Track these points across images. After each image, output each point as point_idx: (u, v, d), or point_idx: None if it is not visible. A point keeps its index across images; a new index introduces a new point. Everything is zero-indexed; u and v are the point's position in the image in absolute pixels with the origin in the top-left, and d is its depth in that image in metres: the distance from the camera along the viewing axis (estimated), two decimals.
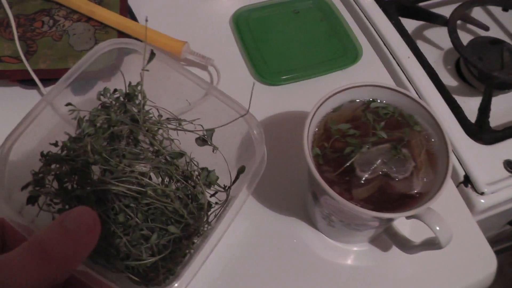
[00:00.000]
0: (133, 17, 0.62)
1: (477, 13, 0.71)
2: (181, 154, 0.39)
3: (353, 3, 0.68)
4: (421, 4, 0.70)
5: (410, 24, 0.67)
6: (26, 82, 0.55)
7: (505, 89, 0.62)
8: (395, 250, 0.47)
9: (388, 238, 0.46)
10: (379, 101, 0.44)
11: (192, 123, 0.40)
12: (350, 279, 0.46)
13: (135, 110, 0.40)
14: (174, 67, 0.42)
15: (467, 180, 0.52)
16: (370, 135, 0.41)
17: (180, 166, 0.39)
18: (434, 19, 0.67)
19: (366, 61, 0.61)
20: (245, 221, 0.47)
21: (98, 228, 0.25)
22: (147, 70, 0.39)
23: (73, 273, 0.28)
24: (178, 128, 0.40)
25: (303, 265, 0.47)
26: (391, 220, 0.42)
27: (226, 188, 0.40)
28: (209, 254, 0.34)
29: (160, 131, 0.41)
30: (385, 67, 0.61)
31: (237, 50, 0.62)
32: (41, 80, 0.54)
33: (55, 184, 0.37)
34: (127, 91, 0.41)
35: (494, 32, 0.68)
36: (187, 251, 0.37)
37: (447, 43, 0.65)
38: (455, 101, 0.57)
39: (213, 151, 0.40)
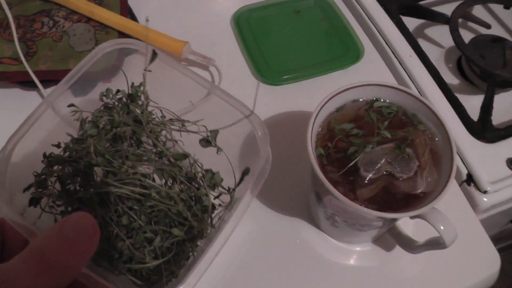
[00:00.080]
0: (133, 18, 0.62)
1: (478, 11, 0.71)
2: (185, 156, 0.38)
3: (354, 2, 0.68)
4: (422, 2, 0.70)
5: (411, 23, 0.67)
6: (26, 83, 0.55)
7: (507, 87, 0.62)
8: (398, 250, 0.47)
9: (391, 238, 0.46)
10: (382, 100, 0.43)
11: (195, 124, 0.40)
12: (353, 279, 0.46)
13: (138, 111, 0.40)
14: (176, 67, 0.42)
15: (470, 179, 0.52)
16: (373, 135, 0.41)
17: (184, 167, 0.39)
18: (435, 18, 0.66)
19: (368, 60, 0.60)
20: (248, 222, 0.47)
21: (98, 234, 0.24)
22: (150, 71, 0.39)
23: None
24: (182, 129, 0.40)
25: (306, 265, 0.46)
26: (395, 220, 0.42)
27: (231, 190, 0.40)
28: (214, 258, 0.34)
29: (164, 132, 0.41)
30: (387, 66, 0.61)
31: (238, 50, 0.62)
32: (41, 81, 0.54)
33: (58, 186, 0.37)
34: (130, 92, 0.41)
35: (496, 30, 0.68)
36: (191, 253, 0.37)
37: (448, 42, 0.65)
38: (457, 100, 0.57)
39: (217, 152, 0.40)
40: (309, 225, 0.49)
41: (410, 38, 0.63)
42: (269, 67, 0.59)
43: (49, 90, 0.55)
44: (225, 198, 0.40)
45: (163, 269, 0.35)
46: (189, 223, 0.36)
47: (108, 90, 0.41)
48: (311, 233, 0.48)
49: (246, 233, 0.47)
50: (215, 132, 0.40)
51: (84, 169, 0.35)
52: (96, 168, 0.35)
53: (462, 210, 0.50)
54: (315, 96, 0.44)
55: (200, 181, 0.39)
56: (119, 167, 0.34)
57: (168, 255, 0.35)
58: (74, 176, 0.36)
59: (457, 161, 0.52)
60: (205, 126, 0.40)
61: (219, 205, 0.40)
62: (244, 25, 0.63)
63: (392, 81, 0.60)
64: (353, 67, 0.60)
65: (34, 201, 0.36)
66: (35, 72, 0.54)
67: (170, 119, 0.41)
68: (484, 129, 0.55)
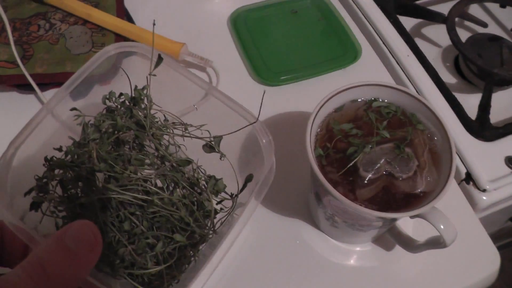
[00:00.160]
0: (130, 20, 0.61)
1: (475, 10, 0.71)
2: (188, 162, 0.38)
3: (351, 2, 0.68)
4: (419, 1, 0.70)
5: (408, 22, 0.67)
6: (23, 86, 0.54)
7: (504, 86, 0.62)
8: (398, 250, 0.47)
9: (391, 238, 0.46)
10: (381, 100, 0.43)
11: (199, 128, 0.40)
12: (354, 279, 0.46)
13: (141, 115, 0.39)
14: (178, 69, 0.42)
15: (469, 178, 0.52)
16: (373, 135, 0.41)
17: (186, 172, 0.38)
18: (432, 17, 0.66)
19: (366, 60, 0.60)
20: (247, 223, 0.47)
21: (100, 244, 0.24)
22: (155, 75, 0.38)
23: None
24: (185, 134, 0.40)
25: (306, 266, 0.46)
26: (395, 220, 0.42)
27: (233, 196, 0.39)
28: (217, 265, 0.34)
29: (166, 136, 0.40)
30: (385, 65, 0.61)
31: (235, 51, 0.62)
32: (38, 84, 0.53)
33: (59, 190, 0.37)
34: (133, 95, 0.41)
35: (492, 28, 0.68)
36: (192, 258, 0.37)
37: (445, 41, 0.65)
38: (455, 99, 0.57)
39: (220, 158, 0.39)
40: (309, 225, 0.48)
41: (407, 37, 0.63)
42: (266, 67, 0.59)
43: (46, 93, 0.54)
44: (227, 202, 0.40)
45: (165, 274, 0.34)
46: (191, 228, 0.36)
47: (111, 93, 0.40)
48: (311, 234, 0.48)
49: (246, 234, 0.47)
50: (218, 138, 0.39)
51: (86, 174, 0.35)
52: (97, 173, 0.35)
53: (462, 209, 0.50)
54: (313, 97, 0.44)
55: (203, 186, 0.39)
56: (121, 172, 0.34)
57: (170, 261, 0.35)
58: (76, 181, 0.36)
59: (456, 160, 0.53)
60: (208, 131, 0.40)
61: (221, 209, 0.40)
62: (241, 26, 0.63)
63: (390, 81, 0.60)
64: (350, 67, 0.60)
65: (35, 206, 0.35)
66: (32, 75, 0.53)
67: (173, 123, 0.41)
68: (482, 128, 0.55)
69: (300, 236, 0.48)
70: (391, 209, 0.38)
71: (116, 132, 0.38)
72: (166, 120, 0.42)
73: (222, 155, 0.40)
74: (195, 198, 0.37)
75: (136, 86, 0.41)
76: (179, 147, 0.41)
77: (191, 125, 0.40)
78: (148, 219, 0.34)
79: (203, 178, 0.39)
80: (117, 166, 0.34)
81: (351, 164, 0.39)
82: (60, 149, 0.38)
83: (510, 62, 0.60)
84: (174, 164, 0.38)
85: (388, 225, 0.43)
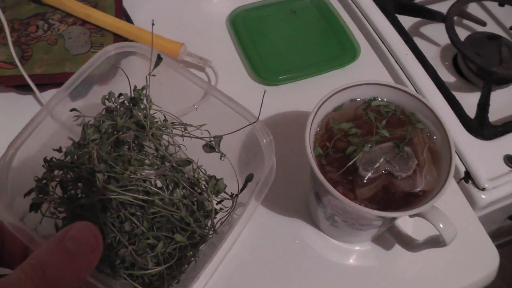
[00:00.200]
0: (128, 20, 0.61)
1: (473, 8, 0.71)
2: (189, 162, 0.38)
3: (350, 1, 0.68)
4: (417, 0, 0.70)
5: (407, 21, 0.67)
6: (21, 87, 0.54)
7: (503, 84, 0.62)
8: (397, 249, 0.47)
9: (391, 237, 0.46)
10: (380, 99, 0.43)
11: (198, 128, 0.40)
12: (353, 279, 0.46)
13: (141, 115, 0.39)
14: (178, 69, 0.42)
15: (468, 176, 0.52)
16: (372, 134, 0.41)
17: (186, 172, 0.38)
18: (431, 16, 0.66)
19: (365, 59, 0.60)
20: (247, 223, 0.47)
21: (101, 246, 0.24)
22: (154, 75, 0.38)
23: None
24: (185, 134, 0.40)
25: (306, 265, 0.46)
26: (394, 219, 0.42)
27: (234, 196, 0.39)
28: (218, 266, 0.34)
29: (166, 136, 0.40)
30: (384, 64, 0.61)
31: (234, 50, 0.62)
32: (37, 85, 0.53)
33: (58, 191, 0.37)
34: (133, 96, 0.41)
35: (491, 27, 0.68)
36: (193, 259, 0.37)
37: (444, 39, 0.65)
38: (454, 97, 0.57)
39: (220, 158, 0.39)
40: (309, 225, 0.48)
41: (406, 36, 0.63)
42: (265, 67, 0.59)
43: (45, 93, 0.54)
44: (226, 202, 0.40)
45: (165, 274, 0.34)
46: (192, 228, 0.36)
47: (110, 93, 0.40)
48: (310, 233, 0.48)
49: (245, 233, 0.47)
50: (219, 138, 0.39)
51: (86, 175, 0.35)
52: (97, 173, 0.35)
53: (461, 207, 0.50)
54: (312, 96, 0.44)
55: (203, 187, 0.39)
56: (122, 173, 0.34)
57: (171, 261, 0.35)
58: (76, 182, 0.36)
59: (456, 159, 0.53)
60: (208, 131, 0.40)
61: (220, 209, 0.40)
62: (240, 25, 0.63)
63: (389, 80, 0.60)
64: (349, 67, 0.60)
65: (35, 207, 0.35)
66: (30, 76, 0.53)
67: (172, 123, 0.41)
68: (481, 126, 0.55)
69: (299, 236, 0.48)
70: (390, 208, 0.38)
71: (115, 132, 0.38)
72: (165, 120, 0.42)
73: (222, 155, 0.40)
74: (195, 198, 0.37)
75: (135, 87, 0.41)
76: (179, 147, 0.41)
77: (191, 125, 0.40)
78: (149, 219, 0.34)
79: (203, 178, 0.39)
80: (117, 167, 0.34)
81: (350, 163, 0.39)
82: (59, 150, 0.38)
83: (509, 61, 0.60)
84: (174, 164, 0.38)
85: (388, 224, 0.43)
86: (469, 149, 0.53)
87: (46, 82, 0.54)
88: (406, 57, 0.61)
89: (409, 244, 0.44)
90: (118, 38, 0.58)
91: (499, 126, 0.55)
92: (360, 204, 0.36)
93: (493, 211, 0.54)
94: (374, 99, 0.43)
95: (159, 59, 0.39)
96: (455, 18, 0.64)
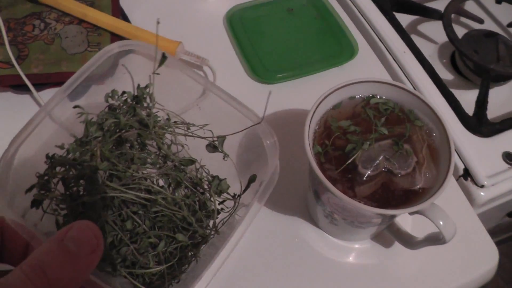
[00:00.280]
0: (125, 19, 0.61)
1: (471, 6, 0.71)
2: (192, 161, 0.38)
3: None
4: None
5: (404, 19, 0.67)
6: (18, 87, 0.54)
7: (500, 81, 0.62)
8: (397, 246, 0.47)
9: (390, 235, 0.46)
10: (379, 97, 0.43)
11: (202, 128, 0.39)
12: (353, 277, 0.46)
13: (144, 113, 0.39)
14: (182, 69, 0.41)
15: (467, 173, 0.52)
16: (371, 132, 0.41)
17: (189, 171, 0.38)
18: (428, 14, 0.66)
19: (362, 57, 0.60)
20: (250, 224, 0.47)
21: (101, 246, 0.23)
22: (158, 74, 0.38)
23: None
24: (189, 134, 0.39)
25: (306, 264, 0.46)
26: (394, 216, 0.42)
27: (236, 196, 0.39)
28: (220, 267, 0.33)
29: (169, 135, 0.40)
30: (382, 62, 0.61)
31: (231, 49, 0.62)
32: (34, 84, 0.53)
33: (59, 188, 0.36)
34: (136, 94, 0.40)
35: (488, 25, 0.68)
36: (194, 258, 0.37)
37: (441, 37, 0.65)
38: (452, 95, 0.57)
39: (224, 158, 0.39)
40: (308, 223, 0.48)
41: (404, 34, 0.63)
42: (263, 65, 0.58)
43: (42, 93, 0.54)
44: (227, 203, 0.40)
45: (166, 273, 0.34)
46: (193, 228, 0.35)
47: (113, 91, 0.40)
48: (309, 232, 0.48)
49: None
50: (222, 138, 0.39)
51: (89, 173, 0.34)
52: (99, 171, 0.35)
53: (460, 205, 0.50)
54: (310, 94, 0.44)
55: (206, 186, 0.38)
56: (124, 171, 0.34)
57: (172, 261, 0.34)
58: (78, 179, 0.36)
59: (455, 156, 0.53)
60: (211, 131, 0.40)
61: (221, 209, 0.40)
62: (237, 24, 0.63)
63: (387, 78, 0.60)
64: (347, 65, 0.60)
65: (36, 203, 0.35)
66: (27, 76, 0.53)
67: (175, 122, 0.40)
68: (479, 124, 0.55)
69: (298, 234, 0.48)
70: (390, 205, 0.38)
71: (118, 130, 0.37)
72: (168, 119, 0.41)
73: (226, 155, 0.39)
74: (197, 198, 0.37)
75: (138, 85, 0.40)
76: (183, 146, 0.40)
77: (194, 125, 0.40)
78: (151, 218, 0.34)
79: (205, 178, 0.39)
80: (119, 165, 0.34)
81: (349, 161, 0.39)
82: (62, 147, 0.37)
83: (506, 58, 0.60)
84: (177, 164, 0.37)
85: (387, 221, 0.43)
86: (468, 146, 0.53)
87: (43, 81, 0.54)
88: (404, 55, 0.61)
89: (408, 241, 0.44)
90: (115, 37, 0.57)
91: (497, 123, 0.55)
92: (359, 202, 0.36)
93: (491, 208, 0.54)
94: (373, 96, 0.43)
95: (164, 57, 0.39)
96: (453, 15, 0.64)
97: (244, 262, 0.46)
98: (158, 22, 0.37)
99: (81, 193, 0.36)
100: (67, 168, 0.36)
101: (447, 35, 0.61)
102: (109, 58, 0.41)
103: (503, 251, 0.50)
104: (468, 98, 0.58)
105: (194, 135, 0.39)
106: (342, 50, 0.60)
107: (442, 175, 0.38)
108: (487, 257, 0.48)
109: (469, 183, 0.52)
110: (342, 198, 0.36)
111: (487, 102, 0.57)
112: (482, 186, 0.51)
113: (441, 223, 0.37)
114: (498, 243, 0.49)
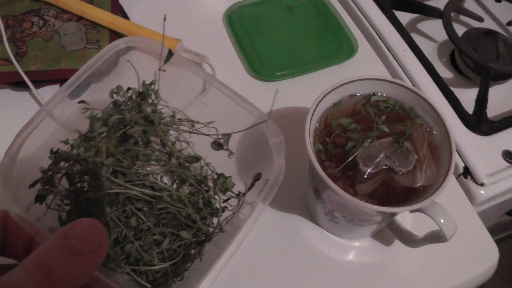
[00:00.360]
0: (124, 16, 0.61)
1: (470, 4, 0.71)
2: (197, 159, 0.38)
3: None
4: None
5: (404, 17, 0.67)
6: (17, 84, 0.54)
7: (500, 80, 0.62)
8: (397, 245, 0.47)
9: (390, 233, 0.45)
10: (379, 94, 0.43)
11: (206, 126, 0.39)
12: (353, 275, 0.46)
13: (149, 110, 0.38)
14: (186, 64, 0.41)
15: (467, 172, 0.52)
16: (371, 129, 0.41)
17: (193, 169, 0.38)
18: (428, 12, 0.66)
19: (362, 55, 0.60)
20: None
21: (106, 244, 0.23)
22: (164, 70, 0.38)
23: None
24: (194, 131, 0.39)
25: (306, 262, 0.46)
26: (394, 214, 0.42)
27: (240, 194, 0.39)
28: (224, 266, 0.33)
29: (173, 132, 0.40)
30: (381, 60, 0.61)
31: (231, 47, 0.61)
32: (32, 81, 0.53)
33: (64, 183, 0.36)
34: (141, 90, 0.40)
35: (488, 23, 0.68)
36: (197, 256, 0.37)
37: (441, 36, 0.65)
38: (452, 93, 0.57)
39: (228, 156, 0.39)
40: (308, 221, 0.48)
41: (404, 32, 0.63)
42: (262, 63, 0.58)
43: (40, 90, 0.54)
44: (231, 200, 0.40)
45: (170, 271, 0.34)
46: (197, 226, 0.35)
47: (118, 87, 0.40)
48: (309, 229, 0.48)
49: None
50: (228, 136, 0.39)
51: (93, 168, 0.34)
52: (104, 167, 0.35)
53: (460, 203, 0.50)
54: (309, 92, 0.44)
55: (210, 184, 0.38)
56: (129, 167, 0.34)
57: (176, 258, 0.34)
58: (83, 175, 0.35)
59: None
60: (216, 129, 0.39)
61: (224, 207, 0.39)
62: (237, 22, 0.62)
63: (387, 76, 0.60)
64: (347, 63, 0.60)
65: (40, 198, 0.34)
66: (26, 73, 0.53)
67: (179, 119, 0.40)
68: (479, 122, 0.55)
69: (298, 232, 0.48)
70: (391, 203, 0.38)
71: (122, 126, 0.37)
72: (173, 116, 0.41)
73: (231, 153, 0.39)
74: (202, 196, 0.37)
75: (144, 81, 0.40)
76: (188, 143, 0.40)
77: (198, 122, 0.40)
78: (155, 215, 0.34)
79: (210, 176, 0.39)
80: (125, 161, 0.33)
81: (350, 158, 0.39)
82: (66, 142, 0.37)
83: (506, 56, 0.60)
84: (181, 161, 0.37)
85: (388, 219, 0.43)
86: (468, 144, 0.53)
87: (42, 78, 0.53)
88: (404, 53, 0.61)
89: (408, 239, 0.43)
90: (114, 34, 0.57)
91: (497, 121, 0.55)
92: (360, 200, 0.36)
93: (491, 207, 0.54)
94: (373, 94, 0.43)
95: (170, 54, 0.38)
96: (452, 14, 0.64)
97: (244, 259, 0.46)
98: (164, 19, 0.37)
99: (86, 189, 0.36)
100: (71, 164, 0.35)
101: (447, 33, 0.61)
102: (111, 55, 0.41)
103: (501, 250, 0.50)
104: (468, 97, 0.58)
105: (199, 132, 0.39)
106: (342, 48, 0.60)
107: (443, 173, 0.38)
108: (487, 256, 0.48)
109: (469, 181, 0.52)
110: (343, 195, 0.36)
111: (487, 100, 0.57)
112: (482, 185, 0.51)
113: (441, 221, 0.37)
114: (496, 242, 0.49)
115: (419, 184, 0.39)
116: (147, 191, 0.33)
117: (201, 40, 0.61)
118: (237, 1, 0.65)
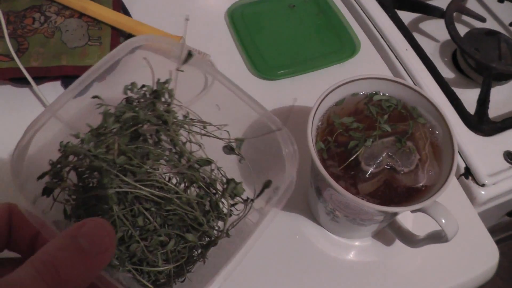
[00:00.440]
0: (126, 12, 0.61)
1: (473, 4, 0.71)
2: (209, 162, 0.37)
3: None
4: None
5: (406, 17, 0.67)
6: (18, 80, 0.53)
7: (502, 80, 0.62)
8: (397, 244, 0.47)
9: (391, 232, 0.45)
10: (382, 93, 0.43)
11: (219, 128, 0.39)
12: (353, 274, 0.46)
13: (162, 109, 0.38)
14: (199, 65, 0.41)
15: (468, 172, 0.52)
16: (374, 129, 0.41)
17: (202, 171, 0.37)
18: (430, 11, 0.66)
19: (364, 54, 0.60)
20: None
21: (114, 246, 0.23)
22: (182, 71, 0.37)
23: None
24: (206, 133, 0.38)
25: (306, 261, 0.46)
26: (396, 214, 0.41)
27: (249, 200, 0.38)
28: (231, 272, 0.33)
29: (185, 133, 0.39)
30: (383, 60, 0.61)
31: (233, 45, 0.61)
32: (33, 78, 0.53)
33: (72, 177, 0.35)
34: (155, 88, 0.40)
35: (490, 23, 0.68)
36: (201, 260, 0.36)
37: (443, 35, 0.65)
38: (454, 93, 0.57)
39: (239, 161, 0.38)
40: (309, 220, 0.48)
41: (406, 32, 0.63)
42: (264, 62, 0.58)
43: (41, 86, 0.54)
44: (238, 205, 0.39)
45: (173, 273, 0.34)
46: (203, 229, 0.35)
47: (133, 84, 0.39)
48: (310, 229, 0.48)
49: None
50: (241, 141, 0.38)
51: (104, 165, 0.33)
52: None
53: (461, 203, 0.50)
54: (311, 91, 0.43)
55: (219, 187, 0.38)
56: (140, 166, 0.33)
57: (180, 260, 0.34)
58: (92, 171, 0.35)
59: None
60: (228, 132, 0.39)
61: (230, 210, 0.39)
62: (238, 20, 0.62)
63: (389, 75, 0.60)
64: (349, 62, 0.59)
65: (47, 191, 0.34)
66: (27, 69, 0.52)
67: (191, 119, 0.40)
68: (481, 122, 0.55)
69: (299, 231, 0.48)
70: (392, 203, 0.38)
71: (136, 124, 0.37)
72: (186, 116, 0.40)
73: (242, 158, 0.39)
74: (209, 199, 0.37)
75: (158, 79, 0.40)
76: (200, 146, 0.39)
77: (211, 124, 0.39)
78: (162, 216, 0.34)
79: (220, 180, 0.38)
80: (135, 160, 0.33)
81: (352, 157, 0.39)
82: (78, 135, 0.37)
83: (508, 57, 0.60)
84: (192, 163, 0.37)
85: (389, 219, 0.43)
86: (469, 145, 0.53)
87: (43, 75, 0.53)
88: (406, 53, 0.61)
89: (409, 239, 0.43)
90: (116, 31, 0.57)
91: (498, 122, 0.55)
92: (362, 199, 0.36)
93: (492, 207, 0.54)
94: (376, 93, 0.43)
95: (189, 55, 0.38)
96: (455, 14, 0.64)
97: (244, 258, 0.45)
98: (187, 19, 0.36)
99: (94, 185, 0.36)
100: (80, 158, 0.35)
101: (449, 33, 0.61)
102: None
103: (500, 250, 0.50)
104: (469, 97, 0.58)
105: (211, 135, 0.38)
106: (344, 47, 0.60)
107: (445, 173, 0.38)
108: (487, 256, 0.48)
109: (470, 181, 0.52)
110: (344, 195, 0.36)
111: (488, 100, 0.57)
112: (483, 185, 0.51)
113: (443, 221, 0.37)
114: (496, 242, 0.49)
115: (421, 184, 0.39)
116: (157, 192, 0.33)
117: (203, 38, 0.60)
118: None
